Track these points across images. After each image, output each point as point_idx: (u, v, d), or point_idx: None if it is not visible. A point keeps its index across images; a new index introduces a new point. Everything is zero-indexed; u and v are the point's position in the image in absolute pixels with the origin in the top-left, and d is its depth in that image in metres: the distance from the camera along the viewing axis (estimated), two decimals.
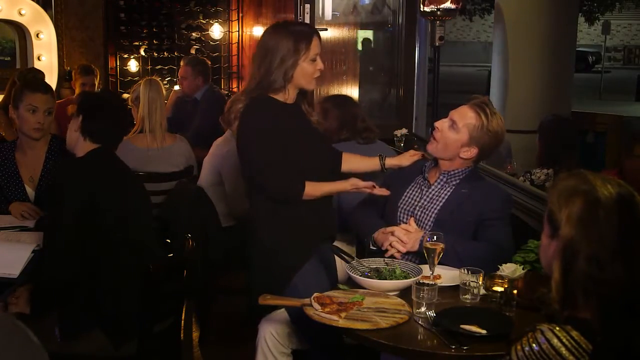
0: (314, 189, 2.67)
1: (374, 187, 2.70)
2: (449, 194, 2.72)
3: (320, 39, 2.77)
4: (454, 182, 2.74)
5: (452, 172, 2.75)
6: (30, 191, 3.29)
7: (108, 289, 2.63)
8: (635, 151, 3.10)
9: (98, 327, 2.62)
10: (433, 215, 2.71)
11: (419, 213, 2.74)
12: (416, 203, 2.77)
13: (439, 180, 2.77)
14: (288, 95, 2.78)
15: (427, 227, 2.69)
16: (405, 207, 2.78)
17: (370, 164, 3.00)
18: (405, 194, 2.82)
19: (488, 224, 2.64)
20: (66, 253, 2.57)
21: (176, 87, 5.90)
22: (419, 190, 2.80)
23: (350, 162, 3.03)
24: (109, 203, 2.64)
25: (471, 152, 2.71)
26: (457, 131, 2.69)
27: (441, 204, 2.71)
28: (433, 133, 2.75)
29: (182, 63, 5.85)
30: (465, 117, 2.69)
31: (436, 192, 2.75)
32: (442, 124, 2.73)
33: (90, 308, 2.62)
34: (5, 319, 1.15)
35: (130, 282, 2.58)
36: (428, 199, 2.75)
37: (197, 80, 5.58)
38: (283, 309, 2.69)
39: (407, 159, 2.98)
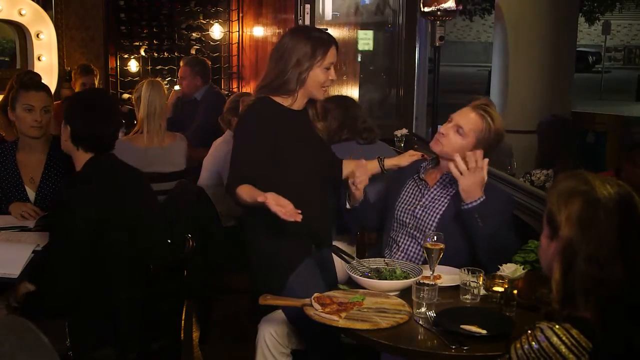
0: (243, 192, 2.60)
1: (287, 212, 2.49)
2: (451, 194, 2.71)
3: (337, 49, 2.78)
4: (455, 184, 2.74)
5: None
6: (30, 192, 3.29)
7: (119, 300, 2.61)
8: (638, 162, 3.08)
9: (106, 337, 2.61)
10: (438, 215, 2.70)
11: (419, 212, 2.74)
12: (417, 202, 2.76)
13: (440, 181, 2.76)
14: (295, 101, 2.78)
15: (431, 226, 2.67)
16: (404, 206, 2.78)
17: (370, 167, 2.99)
18: (402, 193, 2.81)
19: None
20: (78, 266, 2.55)
21: (176, 87, 5.90)
22: (417, 190, 2.79)
23: (350, 167, 3.03)
24: (118, 216, 2.61)
25: None
26: (463, 136, 2.67)
27: (445, 205, 2.69)
28: (438, 137, 2.72)
29: (181, 63, 5.84)
30: (470, 121, 2.67)
31: (438, 192, 2.74)
32: (447, 130, 2.69)
33: (100, 317, 2.61)
34: (16, 320, 1.15)
35: (137, 288, 2.57)
36: (430, 199, 2.74)
37: (196, 80, 5.57)
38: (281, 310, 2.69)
39: (407, 158, 2.97)
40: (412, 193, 2.80)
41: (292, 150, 2.74)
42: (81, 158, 2.70)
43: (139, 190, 2.81)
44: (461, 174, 2.54)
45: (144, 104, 4.07)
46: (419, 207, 2.75)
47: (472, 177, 2.54)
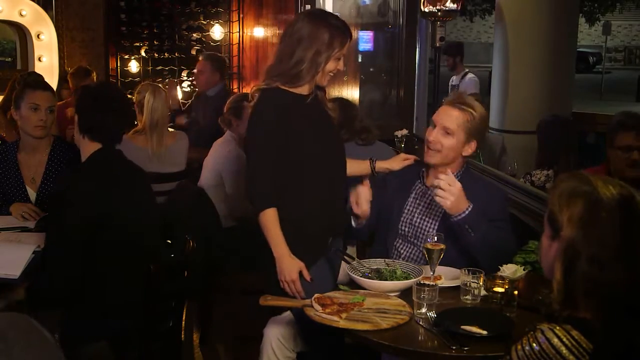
0: (268, 220, 2.58)
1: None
2: None
3: (351, 40, 2.71)
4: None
5: (454, 174, 2.66)
6: (31, 192, 3.29)
7: (114, 295, 2.60)
8: (616, 142, 3.08)
9: (102, 336, 2.60)
10: (436, 223, 2.68)
11: (417, 221, 2.72)
12: (415, 210, 2.75)
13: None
14: (307, 89, 2.70)
15: (432, 233, 2.63)
16: (407, 216, 2.75)
17: (361, 167, 2.94)
18: (407, 203, 2.77)
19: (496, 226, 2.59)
20: (79, 262, 2.53)
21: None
22: (418, 196, 2.77)
23: (350, 167, 3.01)
24: (118, 210, 2.60)
25: (472, 147, 2.69)
26: (453, 135, 2.64)
27: (442, 210, 2.61)
28: (429, 145, 2.67)
29: (200, 58, 5.78)
30: (454, 118, 2.64)
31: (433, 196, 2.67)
32: (435, 136, 2.66)
33: (96, 316, 2.60)
34: (20, 318, 1.14)
35: (135, 288, 2.57)
36: (426, 205, 2.72)
37: (215, 75, 5.55)
38: (288, 312, 2.69)
39: (398, 162, 2.92)
40: (414, 201, 2.77)
41: (306, 138, 2.67)
42: (88, 148, 2.70)
43: (141, 189, 2.81)
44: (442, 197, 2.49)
45: (147, 110, 4.08)
46: (417, 215, 2.73)
47: (450, 195, 2.48)
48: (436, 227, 2.67)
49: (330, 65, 2.66)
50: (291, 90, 2.67)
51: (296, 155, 2.65)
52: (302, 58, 2.61)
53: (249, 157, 2.71)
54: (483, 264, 2.47)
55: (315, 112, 2.75)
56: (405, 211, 2.75)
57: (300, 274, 2.60)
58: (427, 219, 2.71)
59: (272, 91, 2.65)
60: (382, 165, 2.94)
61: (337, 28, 2.66)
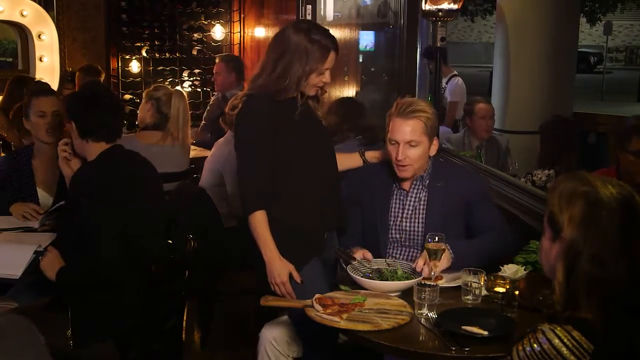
0: (257, 223, 2.59)
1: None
2: (425, 193, 2.71)
3: (337, 52, 2.67)
4: (426, 181, 2.73)
5: (425, 174, 2.73)
6: (45, 195, 3.28)
7: (118, 295, 2.59)
8: (630, 147, 3.07)
9: (106, 336, 2.59)
10: (422, 223, 2.70)
11: (405, 224, 2.73)
12: (401, 214, 2.75)
13: (414, 186, 2.74)
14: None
15: (420, 234, 2.68)
16: (392, 223, 2.76)
17: (352, 160, 2.95)
18: (391, 210, 2.77)
19: (475, 207, 2.66)
20: (116, 247, 2.53)
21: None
22: (399, 202, 2.77)
23: (345, 163, 3.01)
24: (129, 210, 2.60)
25: (435, 145, 2.72)
26: (419, 144, 2.64)
27: (424, 207, 2.69)
28: (398, 164, 2.66)
29: (217, 60, 5.77)
30: (413, 129, 2.62)
31: (416, 198, 2.73)
32: (403, 152, 2.63)
33: (99, 315, 2.59)
34: (21, 319, 1.16)
35: (137, 287, 2.56)
36: (411, 208, 2.74)
37: (231, 76, 5.48)
38: (284, 317, 2.68)
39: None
40: (397, 206, 2.77)
41: (294, 138, 2.68)
42: (94, 150, 2.70)
43: (152, 188, 2.80)
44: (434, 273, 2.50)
45: (176, 113, 4.13)
46: (403, 219, 2.74)
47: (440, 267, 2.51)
48: (422, 228, 2.69)
49: (314, 79, 2.64)
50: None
51: (285, 157, 2.65)
52: (284, 72, 2.59)
53: (237, 161, 2.70)
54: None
55: (301, 112, 2.74)
56: (392, 218, 2.76)
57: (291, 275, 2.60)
58: (413, 222, 2.72)
59: (257, 97, 2.65)
60: (372, 155, 2.94)
61: (320, 42, 2.61)
